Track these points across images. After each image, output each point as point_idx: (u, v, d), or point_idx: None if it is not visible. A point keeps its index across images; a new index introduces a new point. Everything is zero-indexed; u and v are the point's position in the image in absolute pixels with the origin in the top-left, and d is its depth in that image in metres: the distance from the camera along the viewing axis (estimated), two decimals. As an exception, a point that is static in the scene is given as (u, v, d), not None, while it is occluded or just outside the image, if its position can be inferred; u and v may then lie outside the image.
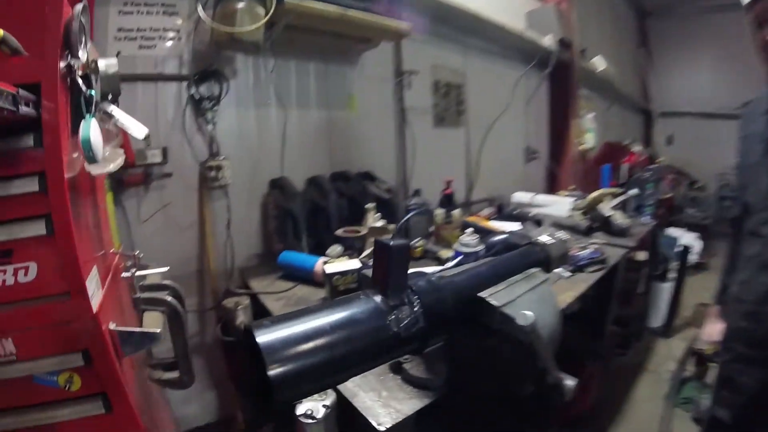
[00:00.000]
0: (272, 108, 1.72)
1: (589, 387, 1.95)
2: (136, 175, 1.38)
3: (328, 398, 0.79)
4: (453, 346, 0.80)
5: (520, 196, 2.54)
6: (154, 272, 0.96)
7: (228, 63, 1.57)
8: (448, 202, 1.81)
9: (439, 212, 1.81)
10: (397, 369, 0.93)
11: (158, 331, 0.69)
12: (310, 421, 0.76)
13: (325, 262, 1.35)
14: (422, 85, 2.43)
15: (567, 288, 1.44)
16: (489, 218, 2.20)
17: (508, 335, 0.69)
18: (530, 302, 0.73)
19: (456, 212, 1.81)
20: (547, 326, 0.73)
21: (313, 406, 0.77)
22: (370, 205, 1.71)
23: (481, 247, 1.35)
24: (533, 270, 0.86)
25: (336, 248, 1.55)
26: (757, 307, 1.12)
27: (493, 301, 0.70)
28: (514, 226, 1.96)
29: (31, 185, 0.60)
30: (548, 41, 3.22)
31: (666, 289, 3.07)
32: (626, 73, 6.66)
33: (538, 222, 2.12)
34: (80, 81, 0.63)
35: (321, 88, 1.92)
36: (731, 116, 6.63)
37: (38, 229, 0.61)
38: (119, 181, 1.34)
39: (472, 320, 0.72)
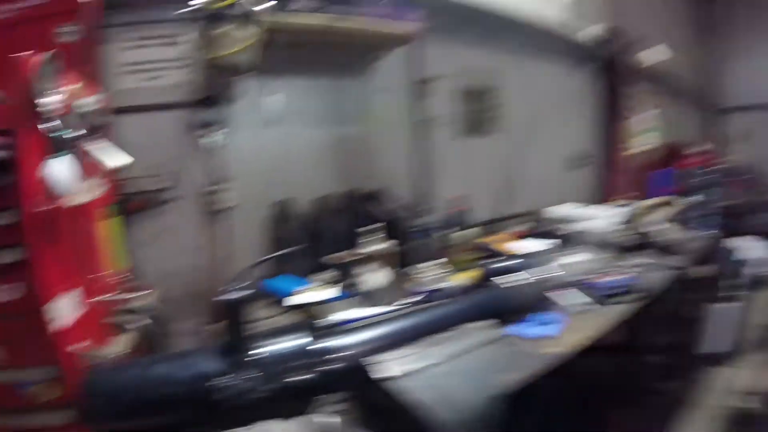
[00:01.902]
0: (278, 128, 1.85)
1: None
2: (140, 200, 1.55)
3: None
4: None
5: (562, 209, 2.49)
6: (140, 295, 1.09)
7: (229, 87, 1.73)
8: (458, 221, 1.83)
9: (450, 233, 1.84)
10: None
11: (119, 351, 0.80)
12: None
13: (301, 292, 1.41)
14: (448, 91, 2.47)
15: (577, 328, 1.33)
16: (520, 237, 2.18)
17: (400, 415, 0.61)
18: (446, 374, 0.65)
19: (470, 232, 1.83)
20: (468, 408, 0.62)
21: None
22: (364, 229, 1.74)
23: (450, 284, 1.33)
24: (480, 324, 0.80)
25: (324, 275, 1.62)
26: None
27: (381, 374, 0.63)
28: (541, 246, 1.95)
29: (6, 218, 0.74)
30: (595, 31, 3.16)
31: (731, 310, 2.85)
32: (690, 64, 6.26)
33: (567, 240, 2.07)
34: (52, 122, 0.77)
35: (330, 105, 2.04)
36: None
37: (14, 255, 0.75)
38: (125, 207, 1.51)
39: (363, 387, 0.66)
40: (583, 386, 1.53)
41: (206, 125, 1.67)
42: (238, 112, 1.75)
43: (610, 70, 3.34)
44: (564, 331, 1.29)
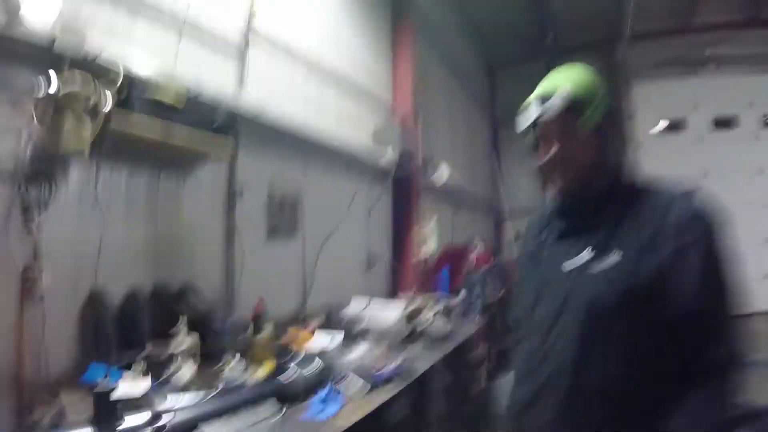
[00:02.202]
0: (98, 216, 1.88)
1: None
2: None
3: None
4: None
5: (352, 306, 2.89)
6: None
7: (60, 167, 1.73)
8: (258, 319, 2.06)
9: (251, 330, 2.05)
10: None
11: None
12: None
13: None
14: (257, 198, 2.78)
15: (357, 407, 1.69)
16: (314, 330, 2.48)
17: None
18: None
19: (267, 329, 2.07)
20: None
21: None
22: (173, 324, 1.87)
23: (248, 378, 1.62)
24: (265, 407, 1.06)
25: (134, 366, 1.69)
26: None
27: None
28: (331, 340, 2.27)
29: None
30: (389, 154, 3.90)
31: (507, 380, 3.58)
32: (478, 176, 8.02)
33: (359, 334, 2.45)
34: None
35: (151, 200, 2.15)
36: None
37: None
38: None
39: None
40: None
41: (27, 205, 1.64)
42: (61, 196, 1.75)
43: (402, 185, 4.11)
44: (342, 411, 1.58)
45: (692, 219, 1.01)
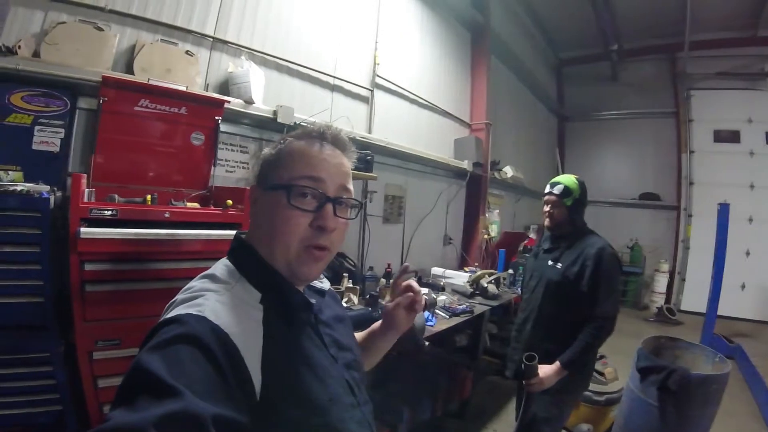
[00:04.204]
0: None
1: (465, 385, 3.73)
2: None
3: None
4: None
5: (437, 270, 4.43)
6: None
7: None
8: (388, 275, 3.64)
9: (383, 281, 3.63)
10: None
11: None
12: None
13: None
14: (378, 197, 4.33)
15: (445, 324, 3.24)
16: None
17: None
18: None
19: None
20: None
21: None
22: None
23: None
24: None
25: None
26: (516, 333, 2.88)
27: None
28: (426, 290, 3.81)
29: None
30: (466, 164, 5.33)
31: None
32: (543, 169, 9.18)
33: (441, 288, 3.99)
34: None
35: None
36: (629, 204, 9.50)
37: None
38: None
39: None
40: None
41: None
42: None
43: (474, 184, 5.55)
44: (437, 324, 3.11)
45: (594, 255, 2.30)
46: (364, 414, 0.92)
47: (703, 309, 6.36)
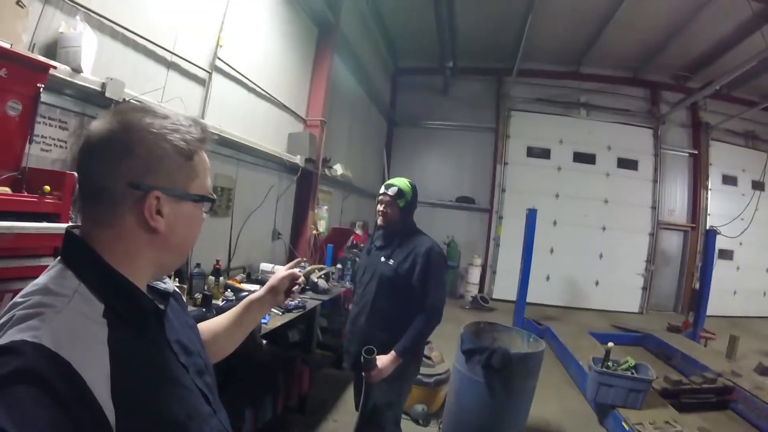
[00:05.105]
0: None
1: (302, 380, 3.84)
2: None
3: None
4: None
5: (265, 266, 4.43)
6: None
7: None
8: (217, 272, 3.53)
9: (211, 278, 3.50)
10: None
11: None
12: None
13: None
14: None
15: (279, 320, 3.28)
16: (240, 282, 3.98)
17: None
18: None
19: (221, 279, 3.54)
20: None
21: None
22: None
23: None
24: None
25: None
26: (351, 326, 3.08)
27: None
28: (256, 287, 3.81)
29: None
30: (299, 159, 5.40)
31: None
32: (371, 169, 9.80)
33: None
34: None
35: None
36: (447, 206, 10.80)
37: None
38: None
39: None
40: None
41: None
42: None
43: (305, 180, 5.66)
44: (270, 321, 3.14)
45: (424, 252, 2.64)
46: (222, 421, 0.93)
47: (513, 297, 7.71)
